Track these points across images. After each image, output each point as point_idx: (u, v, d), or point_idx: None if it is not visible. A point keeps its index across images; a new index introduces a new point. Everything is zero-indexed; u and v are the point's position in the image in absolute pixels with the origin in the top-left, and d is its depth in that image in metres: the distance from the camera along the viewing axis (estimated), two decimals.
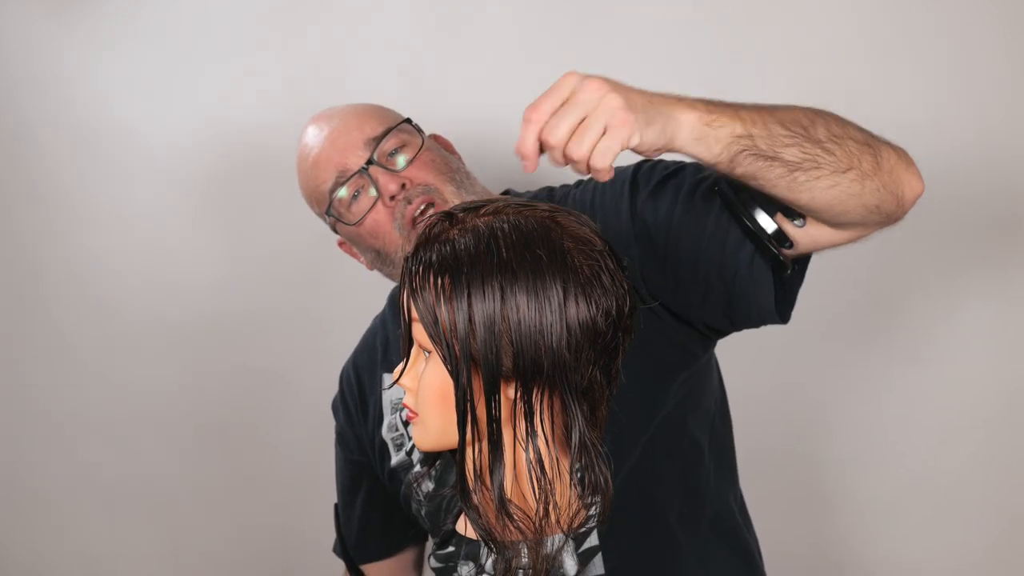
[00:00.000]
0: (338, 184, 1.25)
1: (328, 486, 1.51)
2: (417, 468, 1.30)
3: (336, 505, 1.48)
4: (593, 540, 1.01)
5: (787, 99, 1.62)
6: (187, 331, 1.91)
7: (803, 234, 1.06)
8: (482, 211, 0.92)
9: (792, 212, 1.05)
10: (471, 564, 1.02)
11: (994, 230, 1.62)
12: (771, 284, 1.07)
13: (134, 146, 1.86)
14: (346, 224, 1.27)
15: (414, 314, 0.91)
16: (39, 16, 1.85)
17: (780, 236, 1.06)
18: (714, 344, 1.25)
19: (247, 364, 1.91)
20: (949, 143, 1.61)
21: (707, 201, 1.11)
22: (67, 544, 2.05)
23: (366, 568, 1.48)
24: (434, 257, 0.89)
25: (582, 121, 0.90)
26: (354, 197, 1.25)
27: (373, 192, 1.24)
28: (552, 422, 0.92)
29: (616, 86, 0.92)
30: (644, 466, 1.13)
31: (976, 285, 1.64)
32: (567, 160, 0.91)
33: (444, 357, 0.89)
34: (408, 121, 1.29)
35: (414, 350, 0.94)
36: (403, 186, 1.23)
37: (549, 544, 0.95)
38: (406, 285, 0.91)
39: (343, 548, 1.48)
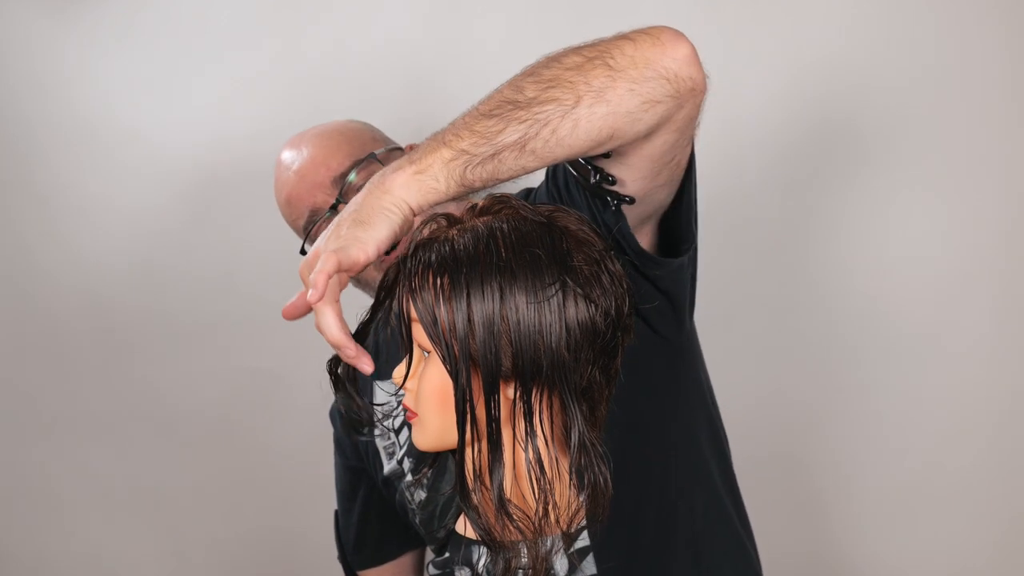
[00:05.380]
0: (311, 222, 1.28)
1: (328, 486, 1.51)
2: (408, 477, 1.30)
3: (336, 511, 1.48)
4: (584, 540, 1.00)
5: (784, 100, 1.64)
6: (187, 331, 1.92)
7: (620, 161, 1.01)
8: (481, 211, 0.92)
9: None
10: (467, 570, 1.01)
11: (996, 230, 1.62)
12: (627, 222, 1.06)
13: (134, 146, 1.86)
14: None
15: (413, 314, 0.91)
16: (39, 16, 1.85)
17: (577, 164, 1.04)
18: (679, 322, 1.21)
19: (247, 364, 1.91)
20: (949, 142, 1.61)
21: (566, 173, 1.12)
22: (67, 544, 2.05)
23: (364, 574, 1.47)
24: (433, 257, 0.89)
25: None
26: None
27: None
28: (551, 422, 0.92)
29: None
30: (633, 463, 1.12)
31: (976, 284, 1.64)
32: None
33: (443, 357, 0.89)
34: (373, 156, 1.28)
35: (414, 351, 0.94)
36: None
37: (548, 544, 0.95)
38: (405, 285, 0.90)
39: (341, 554, 1.48)
